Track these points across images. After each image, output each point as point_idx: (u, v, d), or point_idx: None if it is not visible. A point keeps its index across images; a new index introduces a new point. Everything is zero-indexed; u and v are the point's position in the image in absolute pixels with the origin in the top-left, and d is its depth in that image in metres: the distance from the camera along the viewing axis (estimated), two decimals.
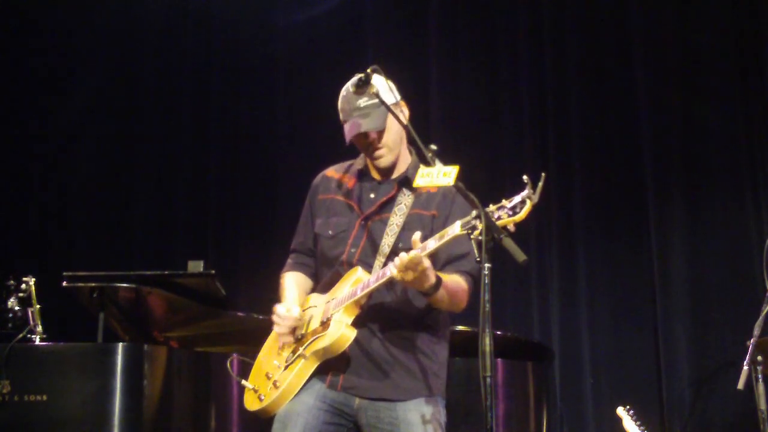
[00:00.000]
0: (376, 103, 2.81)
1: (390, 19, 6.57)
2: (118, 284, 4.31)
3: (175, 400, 4.10)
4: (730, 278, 5.56)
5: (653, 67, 5.93)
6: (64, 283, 4.26)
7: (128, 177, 6.86)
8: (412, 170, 2.88)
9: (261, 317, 4.16)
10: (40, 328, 4.25)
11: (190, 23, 6.97)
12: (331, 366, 2.80)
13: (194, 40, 6.95)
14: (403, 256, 2.55)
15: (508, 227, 2.44)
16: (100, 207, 6.77)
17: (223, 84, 6.89)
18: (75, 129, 6.88)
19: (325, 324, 2.80)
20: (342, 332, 2.74)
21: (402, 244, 2.78)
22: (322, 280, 2.97)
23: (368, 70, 2.75)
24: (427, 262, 2.58)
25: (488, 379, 2.34)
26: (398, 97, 2.89)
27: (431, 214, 2.86)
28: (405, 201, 2.88)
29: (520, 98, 6.21)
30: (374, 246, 2.84)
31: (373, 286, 2.72)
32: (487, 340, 2.34)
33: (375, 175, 2.98)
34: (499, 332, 4.57)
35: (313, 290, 3.01)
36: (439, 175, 2.58)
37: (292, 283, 3.02)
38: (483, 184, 5.44)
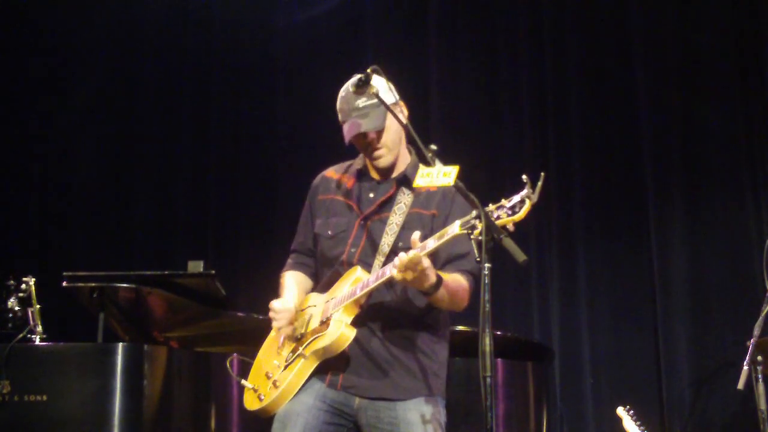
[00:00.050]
0: (375, 103, 2.81)
1: (390, 19, 6.57)
2: (118, 284, 4.31)
3: (175, 400, 4.10)
4: (730, 278, 5.56)
5: (653, 67, 5.92)
6: (64, 283, 4.26)
7: (128, 177, 6.86)
8: (411, 169, 2.88)
9: (261, 317, 4.16)
10: (40, 328, 4.25)
11: (190, 23, 6.97)
12: (330, 365, 2.80)
13: (194, 40, 6.95)
14: (403, 256, 2.56)
15: (508, 227, 2.44)
16: (100, 207, 6.78)
17: (223, 84, 6.89)
18: (75, 129, 6.88)
19: (324, 323, 2.80)
20: (342, 332, 2.74)
21: (402, 243, 2.78)
22: (322, 280, 2.97)
23: (368, 71, 2.75)
24: (426, 262, 2.58)
25: (488, 379, 2.34)
26: (397, 97, 2.89)
27: (431, 213, 2.86)
28: (404, 200, 2.88)
29: (520, 98, 6.21)
30: (374, 245, 2.84)
31: (372, 285, 2.72)
32: (487, 340, 2.34)
33: (374, 174, 2.98)
34: (499, 332, 4.57)
35: (313, 290, 3.02)
36: (439, 175, 2.58)
37: (292, 281, 3.02)
38: (483, 184, 5.45)
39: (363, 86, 2.77)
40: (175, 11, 6.93)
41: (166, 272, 4.43)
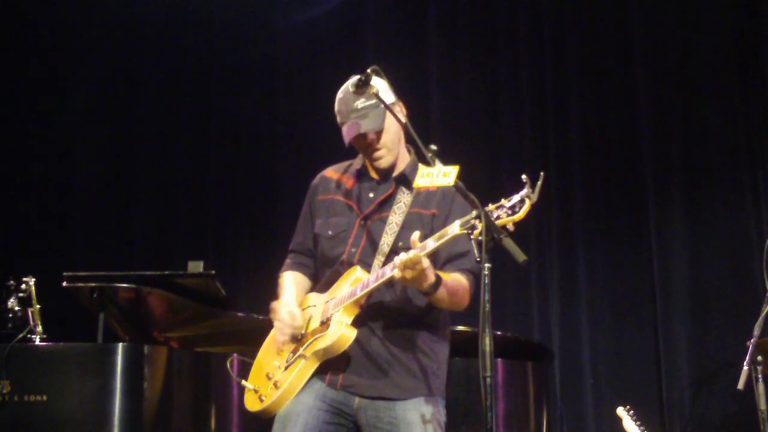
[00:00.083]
0: (374, 103, 2.81)
1: (390, 20, 6.57)
2: (118, 284, 4.31)
3: (175, 400, 4.10)
4: (730, 278, 5.56)
5: (653, 67, 5.92)
6: (64, 283, 4.26)
7: (128, 177, 6.86)
8: (411, 169, 2.89)
9: (261, 317, 4.16)
10: (40, 328, 4.25)
11: (190, 23, 6.97)
12: (330, 365, 2.80)
13: (194, 40, 6.96)
14: (403, 256, 2.56)
15: (508, 227, 2.44)
16: (100, 207, 6.78)
17: (223, 84, 6.89)
18: (75, 129, 6.88)
19: (324, 324, 2.80)
20: (342, 332, 2.74)
21: (401, 243, 2.78)
22: (322, 280, 2.97)
23: (368, 71, 2.75)
24: (426, 262, 2.58)
25: (488, 379, 2.34)
26: (395, 97, 2.88)
27: (431, 212, 2.86)
28: (404, 200, 2.88)
29: (520, 98, 6.21)
30: (374, 245, 2.84)
31: (372, 285, 2.72)
32: (487, 340, 2.35)
33: (374, 174, 2.98)
34: (499, 332, 4.57)
35: (312, 290, 3.01)
36: (439, 175, 2.58)
37: (291, 282, 3.02)
38: (483, 184, 5.49)
39: (363, 86, 2.77)
40: (175, 11, 6.93)
41: (166, 272, 4.43)
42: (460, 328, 4.15)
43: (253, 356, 3.06)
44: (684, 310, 5.60)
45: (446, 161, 2.61)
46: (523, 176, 2.41)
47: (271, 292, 3.09)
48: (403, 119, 2.84)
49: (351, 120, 2.84)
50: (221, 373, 4.15)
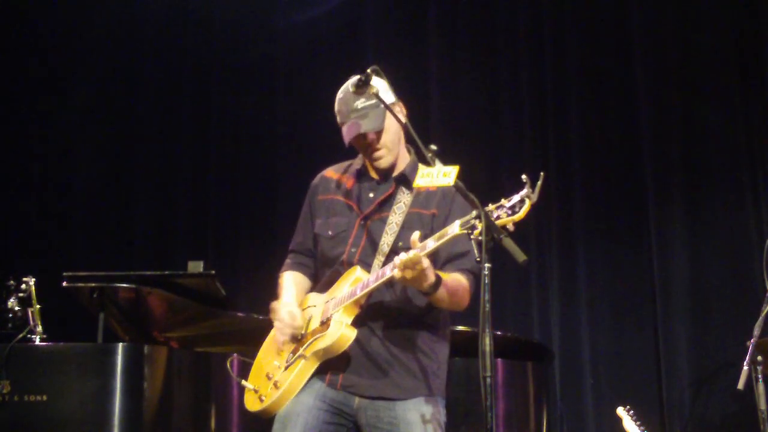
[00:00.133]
0: (374, 103, 2.81)
1: (390, 20, 6.57)
2: (118, 284, 4.31)
3: (175, 400, 4.10)
4: (730, 278, 5.56)
5: (653, 67, 5.92)
6: (64, 283, 4.26)
7: (128, 177, 6.86)
8: (410, 169, 2.89)
9: (261, 317, 4.16)
10: (40, 328, 4.25)
11: (190, 23, 6.97)
12: (330, 365, 2.80)
13: (194, 40, 6.96)
14: (403, 256, 2.56)
15: (508, 227, 2.44)
16: (100, 207, 6.78)
17: (223, 84, 6.89)
18: (75, 129, 6.88)
19: (324, 324, 2.80)
20: (342, 332, 2.74)
21: (401, 243, 2.78)
22: (322, 280, 2.97)
23: (368, 71, 2.75)
24: (426, 262, 2.58)
25: (488, 379, 2.34)
26: (395, 97, 2.88)
27: (431, 212, 2.86)
28: (404, 200, 2.88)
29: (520, 98, 6.21)
30: (374, 245, 2.84)
31: (372, 285, 2.72)
32: (487, 340, 2.35)
33: (374, 174, 2.98)
34: (499, 332, 4.57)
35: (312, 290, 3.01)
36: (439, 175, 2.58)
37: (291, 282, 3.02)
38: (483, 184, 5.49)
39: (363, 86, 2.77)
40: (175, 11, 6.93)
41: (166, 272, 4.43)
42: (460, 328, 4.15)
43: (253, 356, 3.06)
44: (684, 310, 5.60)
45: (446, 161, 2.61)
46: (523, 176, 2.41)
47: (271, 292, 3.09)
48: (403, 119, 2.84)
49: (351, 120, 2.84)
50: (221, 373, 4.15)
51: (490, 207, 2.46)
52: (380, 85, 2.82)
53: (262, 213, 6.55)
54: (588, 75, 6.09)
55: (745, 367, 3.65)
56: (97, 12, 6.88)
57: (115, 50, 6.94)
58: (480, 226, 2.41)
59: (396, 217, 2.85)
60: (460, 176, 2.55)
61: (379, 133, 2.87)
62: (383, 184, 2.95)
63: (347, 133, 2.85)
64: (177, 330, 4.61)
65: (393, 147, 2.92)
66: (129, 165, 6.88)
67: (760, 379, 3.68)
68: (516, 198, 2.45)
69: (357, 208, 2.94)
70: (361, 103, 2.83)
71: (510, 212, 2.44)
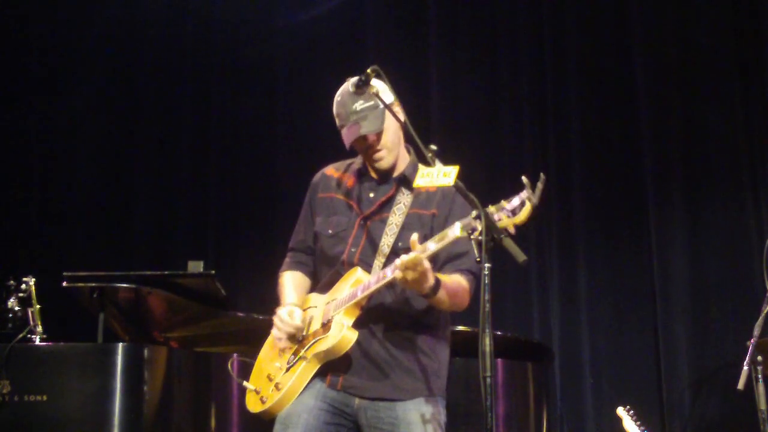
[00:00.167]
0: (373, 105, 2.81)
1: (390, 20, 6.56)
2: (118, 284, 4.31)
3: (175, 400, 4.10)
4: (730, 278, 5.56)
5: (653, 67, 5.92)
6: (64, 283, 4.26)
7: (128, 177, 6.85)
8: (411, 169, 2.88)
9: (261, 317, 4.16)
10: (40, 328, 4.25)
11: (190, 23, 6.97)
12: (331, 366, 2.80)
13: (194, 40, 6.95)
14: (404, 257, 2.55)
15: (508, 229, 2.44)
16: (100, 207, 6.77)
17: (223, 84, 6.89)
18: (75, 128, 6.88)
19: (326, 326, 2.80)
20: (343, 334, 2.74)
21: (401, 243, 2.78)
22: (322, 280, 2.97)
23: (368, 71, 2.75)
24: (427, 264, 2.58)
25: (488, 379, 2.34)
26: (393, 97, 2.88)
27: (431, 213, 2.86)
28: (404, 200, 2.88)
29: (520, 98, 6.21)
30: (374, 246, 2.84)
31: (373, 287, 2.72)
32: (487, 340, 2.35)
33: (374, 174, 2.98)
34: (499, 332, 4.57)
35: (313, 289, 3.01)
36: (439, 175, 2.58)
37: (291, 282, 3.02)
38: (483, 184, 5.48)
39: (363, 86, 2.77)
40: (175, 11, 6.93)
41: (166, 272, 4.43)
42: (460, 328, 4.15)
43: (254, 356, 3.06)
44: (684, 310, 5.60)
45: (446, 161, 2.61)
46: (524, 178, 2.42)
47: (271, 292, 3.09)
48: (402, 119, 2.84)
49: (350, 122, 2.84)
50: (221, 373, 4.15)
51: (491, 209, 2.46)
52: (378, 85, 2.82)
53: (262, 213, 6.55)
54: (588, 75, 6.09)
55: (745, 367, 3.65)
56: (97, 12, 6.87)
57: (115, 50, 6.93)
58: (480, 226, 2.41)
59: (396, 218, 2.85)
60: (460, 176, 2.55)
61: (379, 135, 2.87)
62: (383, 185, 2.94)
63: (347, 136, 2.85)
64: (177, 330, 4.61)
65: (393, 147, 2.92)
66: (129, 165, 6.87)
67: (760, 379, 3.68)
68: (516, 200, 2.45)
69: (357, 208, 2.93)
70: (360, 104, 2.82)
71: (510, 214, 2.44)
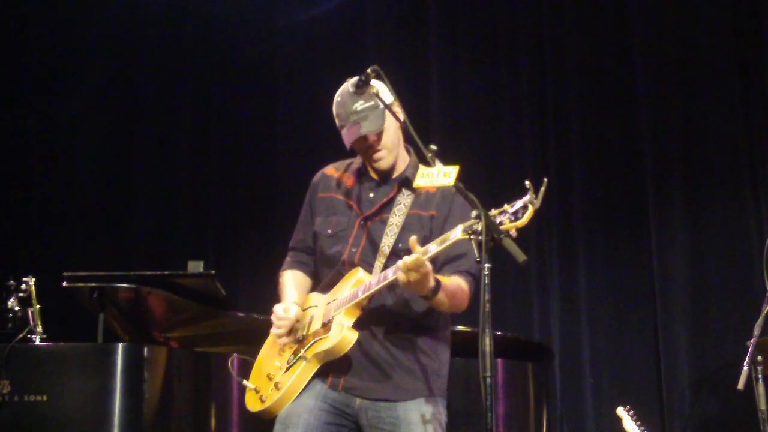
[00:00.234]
0: (373, 105, 2.81)
1: (390, 20, 6.57)
2: (118, 284, 4.31)
3: (175, 400, 4.10)
4: (730, 278, 5.56)
5: (653, 67, 5.92)
6: (64, 283, 4.26)
7: (128, 177, 6.86)
8: (412, 170, 2.88)
9: (261, 317, 4.16)
10: (40, 328, 4.25)
11: (190, 23, 6.97)
12: (331, 367, 2.80)
13: (194, 40, 6.95)
14: (407, 258, 2.55)
15: (511, 232, 2.44)
16: (100, 207, 6.77)
17: (223, 84, 6.89)
18: (75, 128, 6.88)
19: (326, 326, 2.80)
20: (344, 335, 2.74)
21: (401, 244, 2.78)
22: (323, 280, 2.97)
23: (368, 71, 2.75)
24: (429, 266, 2.58)
25: (488, 379, 2.34)
26: (393, 97, 2.88)
27: (430, 214, 2.86)
28: (404, 201, 2.88)
29: (520, 98, 6.21)
30: (374, 246, 2.84)
31: (374, 288, 2.72)
32: (487, 340, 2.35)
33: (374, 175, 2.98)
34: (499, 332, 4.57)
35: (313, 289, 3.02)
36: (439, 175, 2.58)
37: (291, 282, 3.02)
38: (483, 184, 5.49)
39: (363, 86, 2.77)
40: (175, 11, 6.93)
41: (166, 272, 4.43)
42: (460, 328, 4.15)
43: (254, 356, 3.06)
44: (684, 310, 5.60)
45: (446, 161, 2.61)
46: (527, 182, 2.42)
47: (271, 292, 3.09)
48: (403, 119, 2.84)
49: (351, 123, 2.84)
50: (221, 373, 4.16)
51: (493, 212, 2.46)
52: (378, 85, 2.82)
53: (262, 213, 6.55)
54: (588, 75, 6.09)
55: (745, 367, 3.65)
56: (97, 12, 6.87)
57: (115, 50, 6.93)
58: (480, 227, 2.41)
59: (396, 219, 2.85)
60: (460, 176, 2.55)
61: (379, 135, 2.87)
62: (383, 185, 2.94)
63: (348, 137, 2.85)
64: (177, 330, 4.61)
65: (393, 148, 2.92)
66: (129, 165, 6.87)
67: (760, 379, 3.69)
68: (519, 204, 2.45)
69: (357, 208, 2.93)
70: (360, 105, 2.82)
71: (513, 218, 2.44)
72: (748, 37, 5.77)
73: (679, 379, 5.54)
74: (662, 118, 5.87)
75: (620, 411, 4.49)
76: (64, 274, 4.28)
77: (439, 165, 2.61)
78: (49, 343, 4.16)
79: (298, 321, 2.89)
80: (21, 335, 4.13)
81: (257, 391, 2.91)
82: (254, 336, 3.31)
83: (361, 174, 3.00)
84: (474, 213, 2.45)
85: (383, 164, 2.92)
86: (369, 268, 2.82)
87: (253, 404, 2.92)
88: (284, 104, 6.70)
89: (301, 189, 3.15)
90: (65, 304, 4.50)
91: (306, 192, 3.11)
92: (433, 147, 2.66)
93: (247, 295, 6.06)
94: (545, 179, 2.43)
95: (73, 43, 6.91)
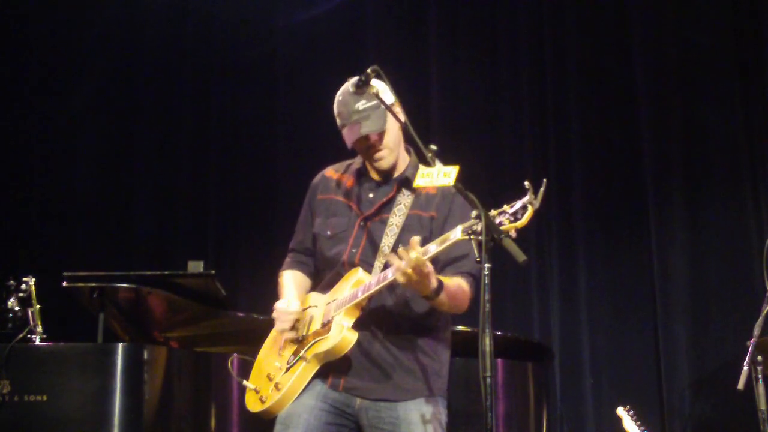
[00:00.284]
0: (375, 105, 2.81)
1: (390, 19, 6.57)
2: (118, 284, 4.31)
3: (175, 400, 4.10)
4: (730, 278, 5.56)
5: (653, 67, 5.92)
6: (64, 283, 4.26)
7: (128, 177, 6.86)
8: (412, 170, 2.88)
9: (261, 317, 4.16)
10: (40, 328, 4.25)
11: (190, 23, 6.97)
12: (332, 368, 2.80)
13: (194, 40, 6.95)
14: (411, 255, 2.54)
15: (510, 233, 2.44)
16: (100, 207, 6.77)
17: (223, 84, 6.89)
18: (75, 129, 6.88)
19: (326, 326, 2.80)
20: (344, 335, 2.74)
21: (401, 245, 2.76)
22: (323, 280, 2.97)
23: (368, 71, 2.75)
24: (430, 266, 2.58)
25: (488, 379, 2.34)
26: (394, 97, 2.88)
27: (430, 215, 2.86)
28: (404, 201, 2.88)
29: (520, 98, 6.21)
30: (374, 246, 2.84)
31: (374, 289, 2.72)
32: (487, 340, 2.35)
33: (374, 175, 2.97)
34: (499, 332, 4.57)
35: (313, 290, 3.01)
36: (440, 175, 2.58)
37: (291, 281, 3.02)
38: (483, 183, 5.49)
39: (363, 86, 2.77)
40: (175, 11, 6.93)
41: (166, 272, 4.43)
42: (460, 328, 4.15)
43: (254, 356, 3.06)
44: (684, 310, 5.60)
45: (446, 161, 2.61)
46: (526, 183, 2.42)
47: (271, 292, 3.09)
48: (403, 119, 2.84)
49: (352, 122, 2.84)
50: (221, 373, 4.16)
51: (493, 213, 2.47)
52: (379, 85, 2.82)
53: (262, 213, 6.55)
54: (588, 75, 6.09)
55: (745, 367, 3.65)
56: (97, 12, 6.87)
57: (115, 50, 6.94)
58: (480, 227, 2.41)
59: (396, 219, 2.85)
60: (460, 176, 2.55)
61: (381, 134, 2.87)
62: (383, 186, 2.94)
63: (349, 136, 2.85)
64: (177, 330, 4.61)
65: (394, 147, 2.92)
66: (129, 165, 6.87)
67: (760, 379, 3.68)
68: (518, 204, 2.45)
69: (357, 209, 2.93)
70: (362, 104, 2.82)
71: (512, 218, 2.44)
72: (748, 37, 5.77)
73: (679, 379, 5.54)
74: (662, 118, 5.87)
75: (620, 411, 4.49)
76: (64, 274, 4.28)
77: (439, 165, 2.61)
78: (49, 343, 4.16)
79: (298, 320, 2.89)
80: (21, 335, 4.13)
81: (257, 392, 2.91)
82: (254, 336, 3.31)
83: (361, 174, 2.99)
84: (474, 213, 2.45)
85: (384, 164, 2.91)
86: (369, 268, 2.82)
87: (253, 404, 2.92)
88: (284, 104, 6.70)
89: (301, 189, 3.15)
90: (65, 304, 4.50)
91: (306, 193, 3.11)
92: (433, 147, 2.66)
93: (247, 295, 6.06)
94: (545, 180, 2.44)
95: (73, 43, 6.91)
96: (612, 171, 5.98)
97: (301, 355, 2.83)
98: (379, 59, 3.00)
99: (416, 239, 2.58)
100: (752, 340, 3.69)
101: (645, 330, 5.70)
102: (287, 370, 2.85)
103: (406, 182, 2.90)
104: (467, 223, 2.48)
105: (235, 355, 3.21)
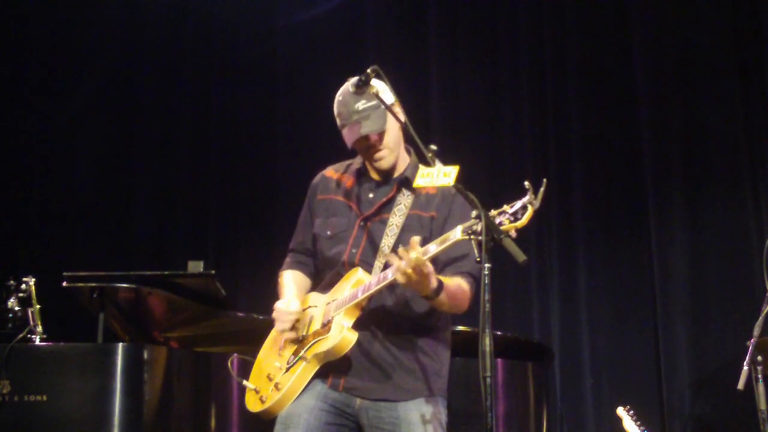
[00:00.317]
0: (375, 104, 2.81)
1: (390, 19, 6.57)
2: (118, 284, 4.31)
3: (175, 400, 4.10)
4: (730, 278, 5.56)
5: (653, 67, 5.92)
6: (64, 283, 4.26)
7: (128, 177, 6.86)
8: (412, 170, 2.88)
9: (261, 317, 4.16)
10: (40, 328, 4.25)
11: (190, 23, 6.97)
12: (332, 368, 2.80)
13: (194, 40, 6.96)
14: (411, 255, 2.54)
15: (510, 233, 2.44)
16: (100, 207, 6.77)
17: (223, 84, 6.89)
18: (75, 129, 6.88)
19: (326, 326, 2.80)
20: (343, 335, 2.74)
21: (402, 245, 2.76)
22: (323, 280, 2.97)
23: (368, 71, 2.75)
24: (430, 266, 2.58)
25: (488, 379, 2.34)
26: (394, 97, 2.88)
27: (430, 215, 2.86)
28: (404, 201, 2.88)
29: (520, 98, 6.22)
30: (374, 246, 2.84)
31: (374, 289, 2.72)
32: (487, 340, 2.35)
33: (374, 175, 2.97)
34: (499, 332, 4.57)
35: (313, 290, 3.01)
36: (440, 175, 2.58)
37: (291, 280, 3.02)
38: (483, 183, 5.49)
39: (363, 86, 2.77)
40: (175, 11, 6.93)
41: (166, 272, 4.43)
42: (460, 328, 4.15)
43: (254, 356, 3.06)
44: (684, 310, 5.60)
45: (446, 161, 2.61)
46: (526, 183, 2.42)
47: (271, 292, 3.09)
48: (403, 119, 2.84)
49: (352, 122, 2.84)
50: (221, 373, 4.16)
51: (493, 213, 2.46)
52: (379, 85, 2.82)
53: (262, 213, 6.55)
54: (588, 75, 6.09)
55: (745, 367, 3.65)
56: (97, 12, 6.87)
57: (115, 50, 6.94)
58: (480, 227, 2.41)
59: (396, 219, 2.85)
60: (460, 176, 2.55)
61: (381, 134, 2.87)
62: (383, 186, 2.94)
63: (349, 136, 2.85)
64: (177, 330, 4.61)
65: (395, 147, 2.92)
66: (129, 165, 6.87)
67: (760, 379, 3.69)
68: (518, 204, 2.45)
69: (356, 209, 2.93)
70: (362, 104, 2.82)
71: (512, 218, 2.44)
72: (748, 37, 5.77)
73: (679, 379, 5.54)
74: (662, 118, 5.87)
75: (620, 411, 4.50)
76: (64, 274, 4.28)
77: (439, 165, 2.60)
78: (49, 343, 4.16)
79: (298, 320, 2.89)
80: (21, 335, 4.13)
81: (257, 392, 2.91)
82: (254, 336, 3.31)
83: (361, 174, 2.99)
84: (474, 213, 2.45)
85: (384, 164, 2.91)
86: (369, 268, 2.82)
87: (253, 405, 2.92)
88: (284, 104, 6.70)
89: (301, 189, 3.15)
90: (65, 304, 4.50)
91: (306, 193, 3.11)
92: (433, 147, 2.65)
93: (247, 295, 6.06)
94: (544, 180, 2.44)
95: (73, 43, 6.91)
96: (612, 171, 5.98)
97: (301, 355, 2.83)
98: (379, 59, 2.99)
99: (416, 239, 2.58)
100: (752, 340, 3.70)
101: (645, 330, 5.71)
102: (287, 370, 2.85)
103: (406, 182, 2.90)
104: (467, 223, 2.48)
105: (235, 355, 3.20)
